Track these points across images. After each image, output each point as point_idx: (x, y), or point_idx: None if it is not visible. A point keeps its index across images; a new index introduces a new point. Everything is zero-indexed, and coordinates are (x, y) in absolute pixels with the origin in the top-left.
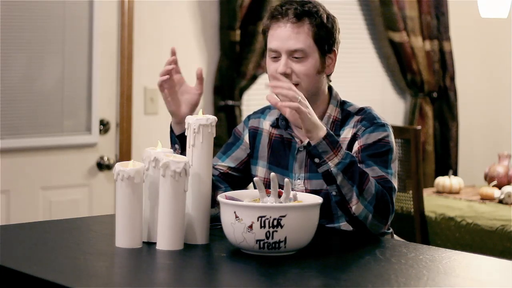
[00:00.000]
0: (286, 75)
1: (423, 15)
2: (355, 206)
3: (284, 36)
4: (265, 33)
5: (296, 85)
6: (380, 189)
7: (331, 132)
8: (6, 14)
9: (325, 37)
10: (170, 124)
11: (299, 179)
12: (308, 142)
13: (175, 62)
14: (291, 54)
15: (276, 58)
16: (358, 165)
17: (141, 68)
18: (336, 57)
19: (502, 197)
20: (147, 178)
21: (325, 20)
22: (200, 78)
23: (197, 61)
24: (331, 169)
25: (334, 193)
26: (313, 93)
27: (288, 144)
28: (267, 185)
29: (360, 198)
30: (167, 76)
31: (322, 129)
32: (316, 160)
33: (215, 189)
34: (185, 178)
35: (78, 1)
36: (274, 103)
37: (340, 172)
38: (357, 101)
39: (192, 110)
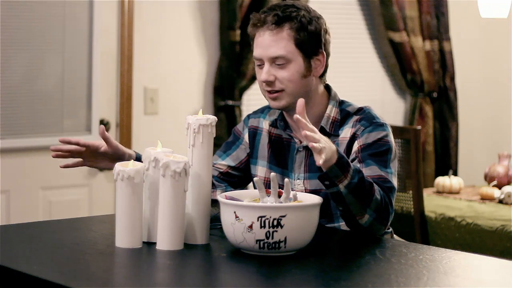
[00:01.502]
0: (270, 82)
1: (423, 15)
2: (362, 219)
3: (265, 44)
4: (251, 40)
5: (281, 91)
6: (382, 195)
7: (342, 154)
8: (6, 14)
9: (308, 40)
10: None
11: (298, 179)
12: (319, 167)
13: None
14: (273, 61)
15: (261, 65)
16: (359, 164)
17: (141, 68)
18: (325, 58)
19: (502, 197)
20: (147, 178)
21: (306, 23)
22: (103, 137)
23: (197, 61)
24: (341, 190)
25: (341, 208)
26: (302, 96)
27: (288, 144)
28: (267, 185)
29: (367, 210)
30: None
31: (334, 155)
32: (327, 182)
33: (214, 188)
34: (185, 178)
35: (78, 1)
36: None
37: (349, 193)
38: (357, 101)
39: (113, 161)
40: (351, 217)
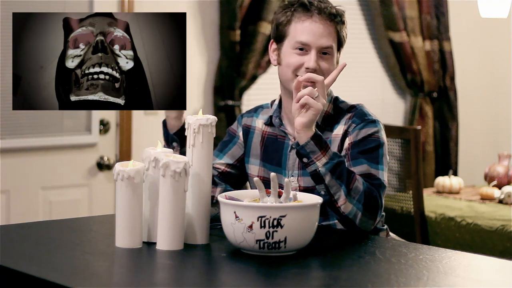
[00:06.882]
0: (314, 71)
1: (423, 15)
2: (344, 205)
3: (318, 32)
4: (285, 22)
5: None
6: (367, 187)
7: (319, 133)
8: (6, 14)
9: (342, 39)
10: (163, 122)
11: (292, 176)
12: (297, 142)
13: None
14: (320, 50)
15: (303, 51)
16: (349, 161)
17: None
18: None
19: (502, 197)
20: (147, 178)
21: (346, 24)
22: None
23: (197, 61)
24: (319, 169)
25: (322, 192)
26: None
27: (281, 142)
28: None
29: (348, 197)
30: None
31: (311, 130)
32: (305, 160)
33: (215, 186)
34: (185, 178)
35: (78, 1)
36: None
37: (328, 172)
38: (357, 101)
39: None
40: (332, 202)
